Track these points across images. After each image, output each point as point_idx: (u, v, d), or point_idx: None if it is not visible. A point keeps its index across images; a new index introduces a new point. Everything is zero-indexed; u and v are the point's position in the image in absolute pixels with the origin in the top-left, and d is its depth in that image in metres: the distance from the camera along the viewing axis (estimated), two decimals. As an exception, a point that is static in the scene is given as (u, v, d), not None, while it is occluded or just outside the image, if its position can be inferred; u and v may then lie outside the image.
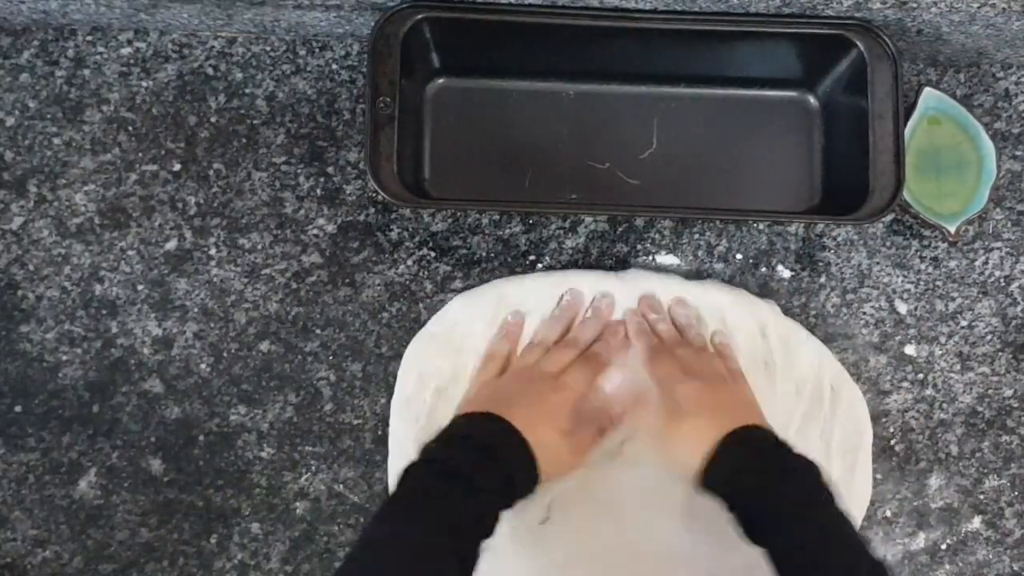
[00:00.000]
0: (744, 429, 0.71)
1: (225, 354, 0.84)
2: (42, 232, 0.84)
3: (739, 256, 0.87)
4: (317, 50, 0.87)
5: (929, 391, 0.86)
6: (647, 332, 0.82)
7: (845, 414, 0.84)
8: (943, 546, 0.85)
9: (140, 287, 0.84)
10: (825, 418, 0.84)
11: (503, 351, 0.81)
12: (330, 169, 0.86)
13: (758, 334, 0.84)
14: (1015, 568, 0.85)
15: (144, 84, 0.86)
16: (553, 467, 0.71)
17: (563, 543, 0.79)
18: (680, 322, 0.83)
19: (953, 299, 0.87)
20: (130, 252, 0.84)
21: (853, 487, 0.84)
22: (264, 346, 0.84)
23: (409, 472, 0.66)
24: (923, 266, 0.88)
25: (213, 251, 0.84)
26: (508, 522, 0.67)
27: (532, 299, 0.83)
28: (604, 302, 0.82)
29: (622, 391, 0.80)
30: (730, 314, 0.84)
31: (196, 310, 0.84)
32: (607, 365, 0.80)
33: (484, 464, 0.67)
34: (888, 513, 0.85)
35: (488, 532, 0.65)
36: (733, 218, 0.86)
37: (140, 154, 0.85)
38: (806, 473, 0.68)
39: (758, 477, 0.68)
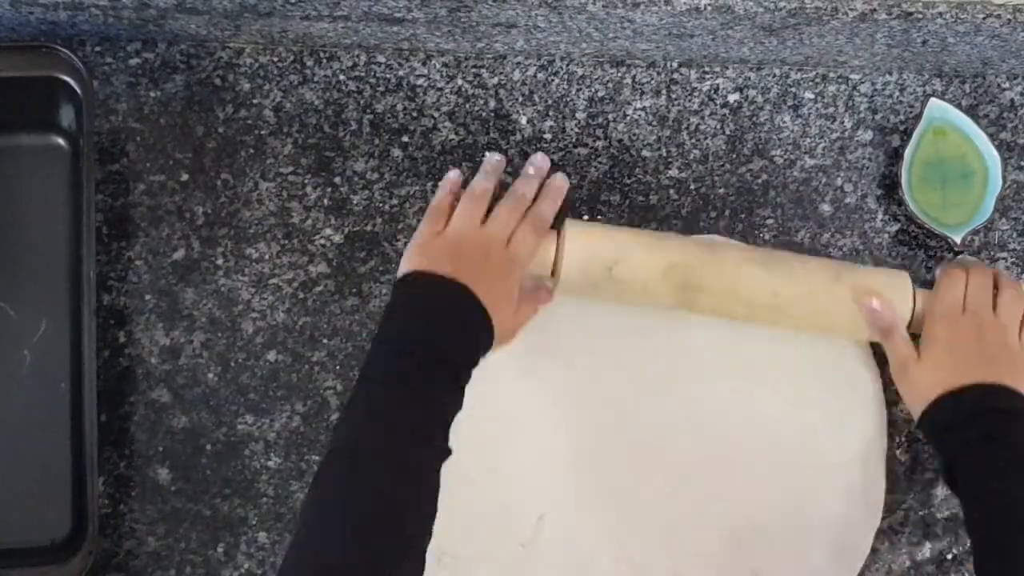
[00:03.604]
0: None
1: (232, 364, 0.84)
2: (50, 242, 0.84)
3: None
4: (324, 60, 0.87)
5: (935, 401, 0.86)
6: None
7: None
8: (949, 556, 0.85)
9: (148, 297, 0.84)
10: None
11: (447, 204, 0.77)
12: (337, 179, 0.86)
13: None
14: (1021, 578, 0.85)
15: (152, 94, 0.86)
16: (500, 342, 0.74)
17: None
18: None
19: (959, 309, 0.88)
20: (138, 262, 0.84)
21: (871, 492, 0.84)
22: (271, 356, 0.84)
23: (381, 347, 0.70)
24: (929, 276, 0.88)
25: (220, 261, 0.85)
26: None
27: None
28: (540, 157, 0.80)
29: None
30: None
31: (203, 320, 0.84)
32: (548, 230, 0.77)
33: (458, 345, 0.70)
34: (894, 523, 0.85)
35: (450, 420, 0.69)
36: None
37: (148, 164, 0.85)
38: None
39: (981, 425, 0.72)
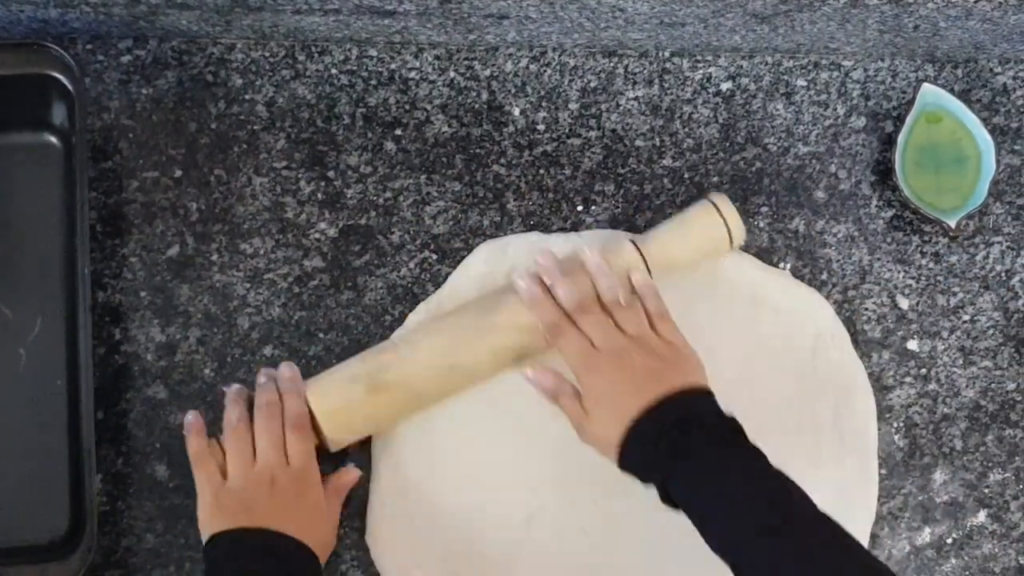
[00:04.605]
0: (658, 404, 0.71)
1: (228, 359, 0.84)
2: (44, 240, 0.84)
3: (740, 254, 0.87)
4: (316, 55, 0.87)
5: (932, 386, 0.87)
6: (544, 302, 0.76)
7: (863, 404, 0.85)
8: (949, 540, 0.85)
9: (143, 293, 0.84)
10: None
11: (206, 448, 0.77)
12: (331, 173, 0.86)
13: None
14: (1021, 562, 0.85)
15: (144, 91, 0.86)
16: (326, 550, 0.78)
17: None
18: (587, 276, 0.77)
19: (955, 294, 0.88)
20: (132, 259, 0.84)
21: (866, 486, 0.84)
22: (267, 351, 0.84)
23: None
24: (924, 261, 0.88)
25: (215, 257, 0.84)
26: None
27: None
28: (282, 367, 0.79)
29: None
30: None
31: (199, 316, 0.84)
32: (305, 426, 0.77)
33: None
34: (893, 508, 0.85)
35: None
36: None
37: (141, 161, 0.85)
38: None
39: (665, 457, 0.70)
